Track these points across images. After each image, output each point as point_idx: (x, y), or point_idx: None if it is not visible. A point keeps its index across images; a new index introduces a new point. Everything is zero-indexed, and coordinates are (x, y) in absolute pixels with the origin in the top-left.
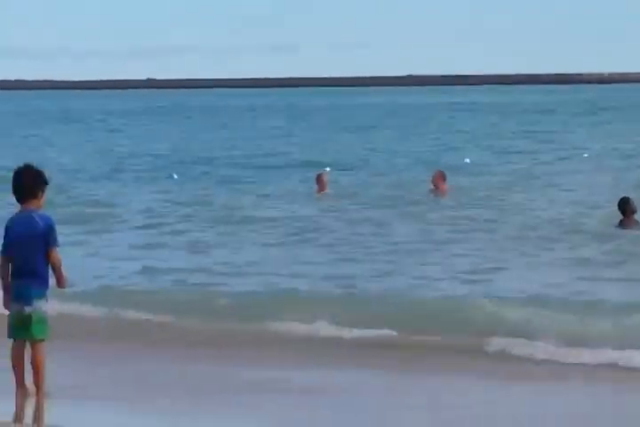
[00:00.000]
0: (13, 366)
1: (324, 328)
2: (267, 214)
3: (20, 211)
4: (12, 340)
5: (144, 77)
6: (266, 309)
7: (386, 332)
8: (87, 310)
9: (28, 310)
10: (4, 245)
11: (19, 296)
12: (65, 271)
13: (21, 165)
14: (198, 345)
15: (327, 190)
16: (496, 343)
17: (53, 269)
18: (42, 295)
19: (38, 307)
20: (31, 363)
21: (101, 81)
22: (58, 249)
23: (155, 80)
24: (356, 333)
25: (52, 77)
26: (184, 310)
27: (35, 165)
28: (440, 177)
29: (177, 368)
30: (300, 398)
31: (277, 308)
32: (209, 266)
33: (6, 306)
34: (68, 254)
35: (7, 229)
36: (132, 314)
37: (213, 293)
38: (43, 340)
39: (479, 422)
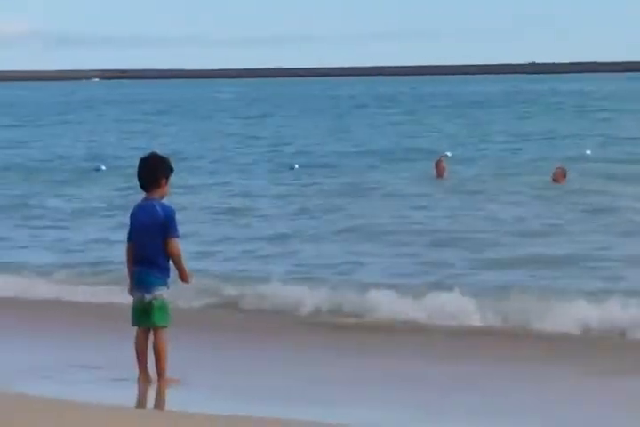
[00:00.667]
0: (137, 353)
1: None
2: None
3: (144, 199)
4: (135, 327)
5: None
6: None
7: None
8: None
9: (148, 297)
10: (128, 232)
11: (139, 284)
12: (185, 264)
13: (147, 153)
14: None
15: (445, 176)
16: None
17: (173, 261)
18: (162, 283)
19: (159, 294)
20: (153, 350)
21: (230, 69)
22: (177, 240)
23: (282, 69)
24: None
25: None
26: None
27: (159, 152)
28: (560, 174)
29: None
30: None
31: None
32: None
33: (131, 293)
34: None
35: (131, 216)
36: None
37: None
38: (164, 327)
39: None
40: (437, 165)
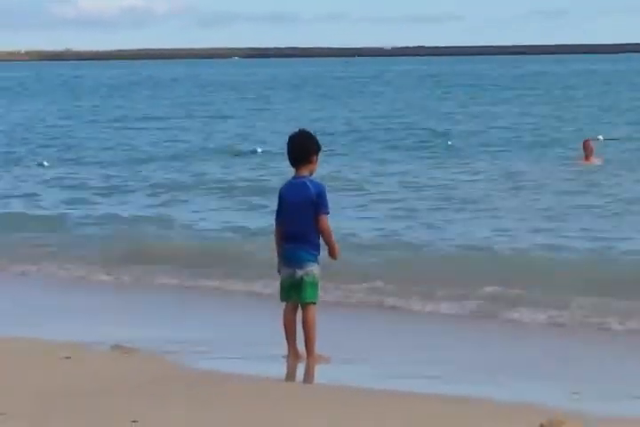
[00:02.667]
0: (285, 329)
1: None
2: None
3: (293, 177)
4: (284, 303)
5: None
6: None
7: None
8: None
9: (299, 273)
10: (277, 210)
11: (290, 260)
12: (335, 241)
13: (296, 130)
14: None
15: (594, 160)
16: None
17: (323, 237)
18: (314, 259)
19: (310, 270)
20: (302, 325)
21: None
22: (327, 216)
23: (423, 47)
24: None
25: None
26: None
27: (308, 130)
28: None
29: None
30: None
31: None
32: None
33: (279, 270)
34: None
35: (280, 194)
36: None
37: None
38: (314, 303)
39: None
40: (585, 147)
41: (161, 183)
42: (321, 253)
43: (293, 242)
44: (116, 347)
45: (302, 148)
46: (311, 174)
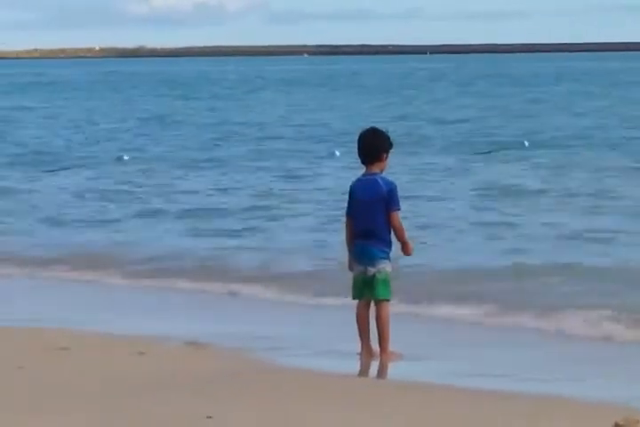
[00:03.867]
0: (358, 327)
1: None
2: None
3: (364, 173)
4: (356, 300)
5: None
6: None
7: None
8: None
9: (371, 270)
10: (347, 206)
11: (361, 257)
12: (408, 237)
13: (367, 127)
14: None
15: None
16: None
17: (395, 234)
18: (386, 256)
19: (382, 268)
20: (376, 323)
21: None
22: (399, 213)
23: (495, 45)
24: None
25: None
26: None
27: (380, 127)
28: None
29: None
30: None
31: None
32: None
33: (350, 267)
34: None
35: (350, 190)
36: None
37: None
38: (387, 300)
39: None
40: None
41: None
42: (393, 250)
43: (364, 239)
44: (190, 343)
45: (372, 145)
46: (382, 172)
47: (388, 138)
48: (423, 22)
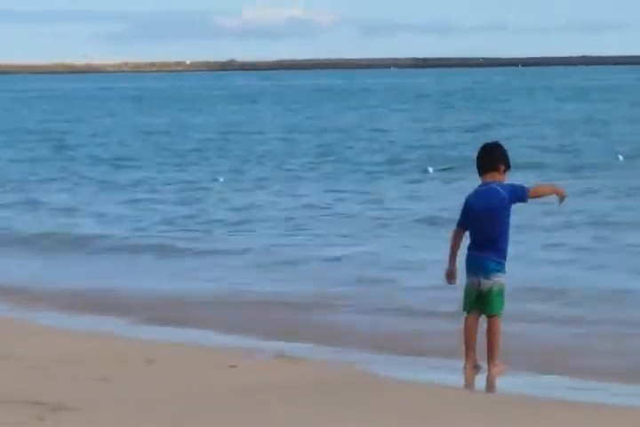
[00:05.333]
0: (466, 339)
1: None
2: None
3: (480, 184)
4: (465, 312)
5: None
6: None
7: None
8: None
9: (487, 283)
10: (461, 216)
11: (476, 269)
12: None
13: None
14: None
15: None
16: None
17: (539, 194)
18: (501, 269)
19: (497, 280)
20: (488, 336)
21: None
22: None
23: (589, 57)
24: None
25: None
26: None
27: (497, 141)
28: None
29: None
30: None
31: None
32: None
33: (448, 277)
34: None
35: (466, 202)
36: None
37: None
38: (499, 314)
39: None
40: None
41: None
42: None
43: (480, 250)
44: (280, 355)
45: (488, 155)
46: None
47: (506, 153)
48: (511, 35)
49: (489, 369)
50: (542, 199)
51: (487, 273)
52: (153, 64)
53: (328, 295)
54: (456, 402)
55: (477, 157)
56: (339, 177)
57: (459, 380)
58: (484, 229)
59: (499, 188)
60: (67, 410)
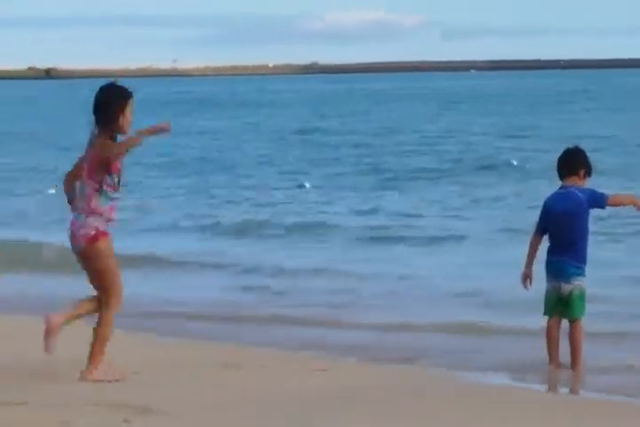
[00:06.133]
0: (549, 342)
1: None
2: None
3: (560, 187)
4: (547, 316)
5: None
6: None
7: None
8: None
9: (568, 287)
10: (539, 219)
11: (556, 274)
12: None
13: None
14: None
15: None
16: None
17: (617, 203)
18: (581, 273)
19: (578, 284)
20: (570, 340)
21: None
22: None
23: None
24: None
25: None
26: None
27: (578, 145)
28: None
29: None
30: None
31: None
32: None
33: (524, 280)
34: None
35: (545, 205)
36: None
37: None
38: (580, 318)
39: None
40: None
41: None
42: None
43: (559, 254)
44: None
45: (569, 159)
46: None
47: (588, 160)
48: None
49: (573, 371)
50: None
51: (569, 277)
52: (235, 68)
53: None
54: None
55: (558, 161)
56: None
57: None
58: (562, 232)
59: (577, 192)
60: (152, 413)
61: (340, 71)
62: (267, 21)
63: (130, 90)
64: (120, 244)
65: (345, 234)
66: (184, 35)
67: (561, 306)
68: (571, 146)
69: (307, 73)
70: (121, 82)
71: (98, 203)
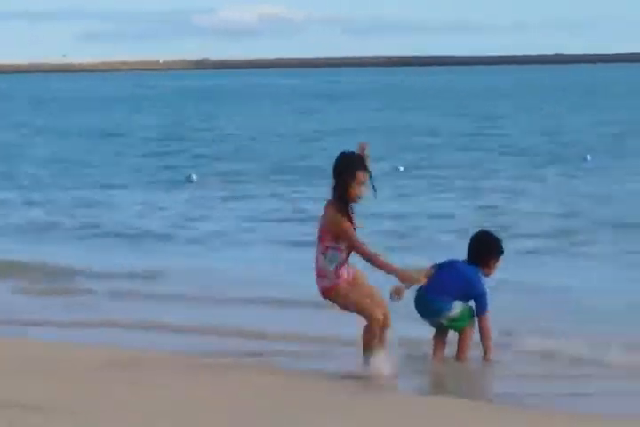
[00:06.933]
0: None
1: None
2: None
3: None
4: None
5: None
6: None
7: None
8: None
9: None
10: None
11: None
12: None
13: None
14: None
15: None
16: None
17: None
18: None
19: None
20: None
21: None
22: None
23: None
24: None
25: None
26: None
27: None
28: None
29: None
30: None
31: None
32: None
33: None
34: None
35: None
36: None
37: None
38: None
39: None
40: None
41: None
42: None
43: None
44: None
45: (481, 250)
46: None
47: (499, 244)
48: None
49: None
50: None
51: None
52: (125, 63)
53: None
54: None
55: (469, 247)
56: None
57: None
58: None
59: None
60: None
61: (233, 67)
62: (161, 17)
63: (363, 161)
64: None
65: None
66: (76, 30)
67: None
68: (480, 231)
69: (198, 69)
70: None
71: None
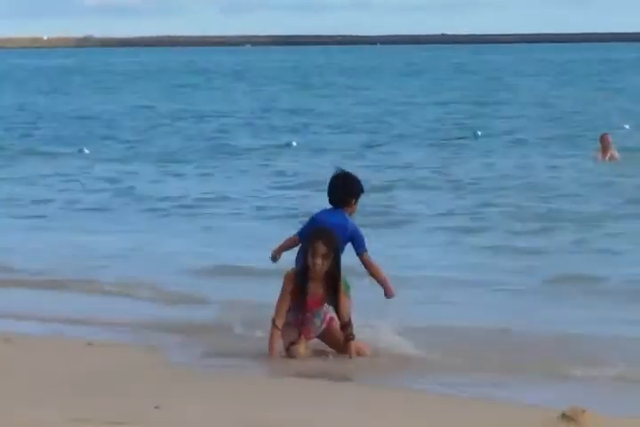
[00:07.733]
0: None
1: None
2: None
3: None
4: None
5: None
6: None
7: None
8: None
9: None
10: (302, 228)
11: None
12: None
13: (339, 171)
14: None
15: (612, 154)
16: None
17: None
18: None
19: None
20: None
21: (398, 35)
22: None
23: (447, 35)
24: None
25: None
26: None
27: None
28: None
29: None
30: None
31: None
32: None
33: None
34: None
35: (313, 218)
36: None
37: None
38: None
39: None
40: (602, 142)
41: None
42: None
43: None
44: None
45: (342, 190)
46: (349, 215)
47: (359, 183)
48: (371, 14)
49: None
50: None
51: None
52: (10, 39)
53: None
54: None
55: (329, 190)
56: None
57: None
58: None
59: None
60: None
61: (117, 45)
62: None
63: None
64: None
65: None
66: None
67: None
68: (338, 173)
69: (82, 46)
70: None
71: None
